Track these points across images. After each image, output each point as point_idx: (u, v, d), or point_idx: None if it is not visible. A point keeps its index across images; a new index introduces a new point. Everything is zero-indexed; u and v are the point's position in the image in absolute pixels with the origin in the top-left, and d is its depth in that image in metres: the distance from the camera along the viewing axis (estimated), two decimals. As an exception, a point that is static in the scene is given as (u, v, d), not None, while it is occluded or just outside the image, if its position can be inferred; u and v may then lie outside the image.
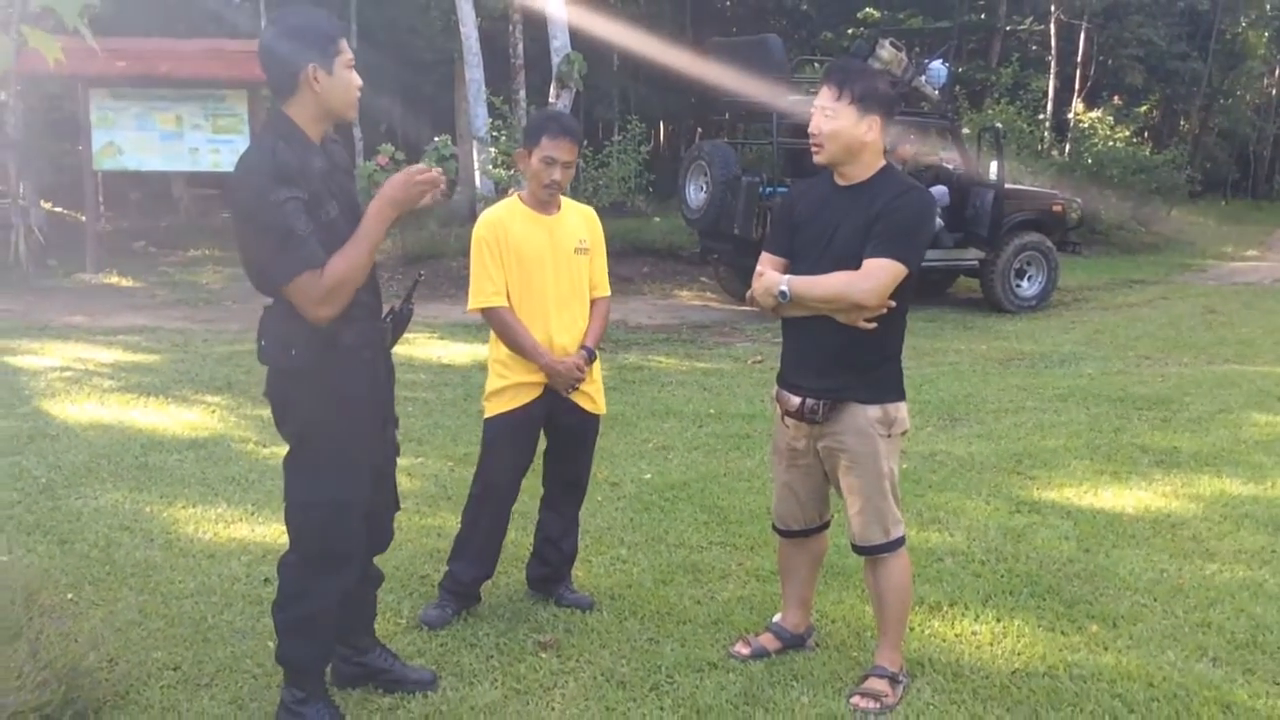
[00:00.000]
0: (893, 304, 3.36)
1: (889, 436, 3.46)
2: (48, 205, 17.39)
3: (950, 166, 12.46)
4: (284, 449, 3.20)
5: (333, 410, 3.06)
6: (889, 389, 3.48)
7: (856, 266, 3.33)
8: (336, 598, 3.17)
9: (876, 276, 3.30)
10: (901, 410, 3.50)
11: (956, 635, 3.99)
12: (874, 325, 3.35)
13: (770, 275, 3.48)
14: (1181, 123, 29.91)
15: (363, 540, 3.23)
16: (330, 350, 3.02)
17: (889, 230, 3.32)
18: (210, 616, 4.01)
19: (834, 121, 3.36)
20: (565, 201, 4.09)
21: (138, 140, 13.48)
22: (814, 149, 3.44)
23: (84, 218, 14.47)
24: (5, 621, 3.49)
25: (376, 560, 3.51)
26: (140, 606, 4.07)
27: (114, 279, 13.26)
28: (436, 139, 14.14)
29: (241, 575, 4.38)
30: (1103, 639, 3.96)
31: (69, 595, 4.14)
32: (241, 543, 4.75)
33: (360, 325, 3.10)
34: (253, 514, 5.08)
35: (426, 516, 5.11)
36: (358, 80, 3.04)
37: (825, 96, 3.40)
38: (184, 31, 14.78)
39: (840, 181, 3.47)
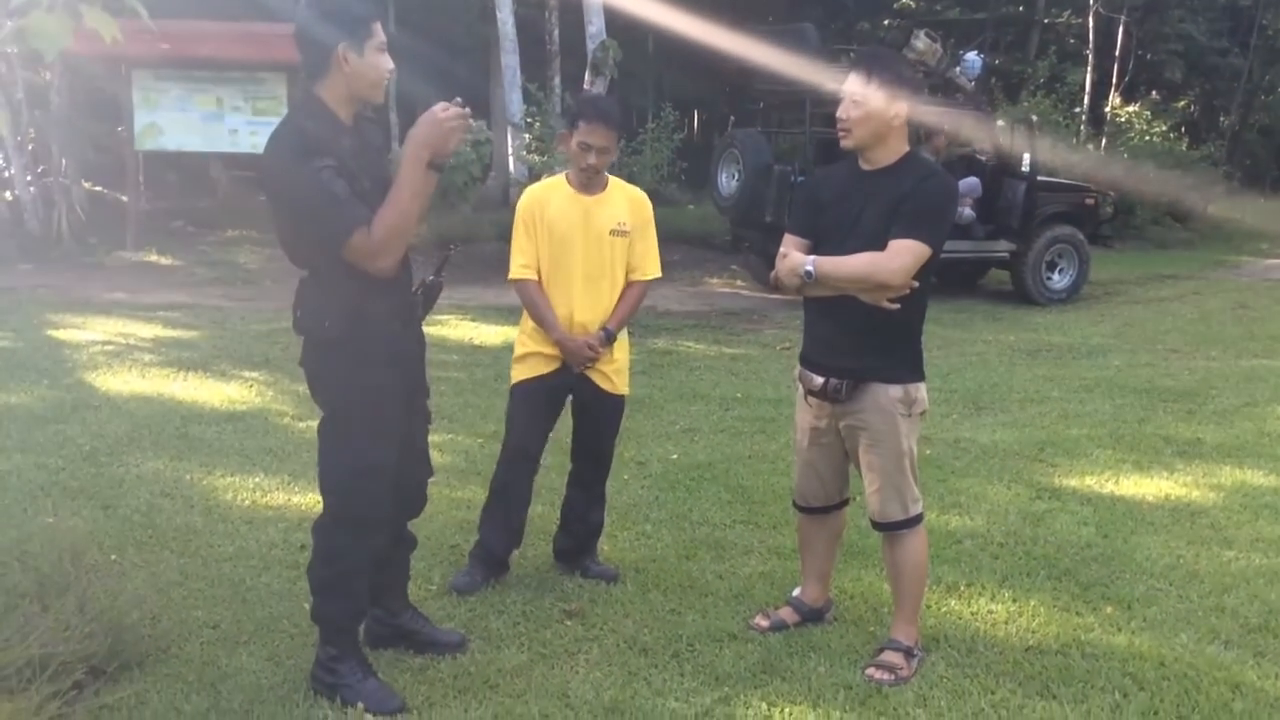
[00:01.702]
0: (915, 284, 3.45)
1: (909, 416, 3.55)
2: (88, 185, 17.67)
3: (983, 158, 12.46)
4: (318, 422, 3.33)
5: (364, 379, 3.18)
6: (910, 369, 3.57)
7: (880, 248, 3.41)
8: (368, 558, 3.30)
9: (902, 257, 3.38)
10: (921, 390, 3.59)
11: (972, 613, 4.07)
12: (897, 306, 3.43)
13: (795, 255, 3.57)
14: (1221, 118, 29.61)
15: (390, 504, 3.34)
16: (362, 321, 3.14)
17: (914, 212, 3.41)
18: (249, 579, 4.15)
19: (862, 107, 3.45)
20: (615, 183, 4.20)
21: (179, 121, 13.68)
22: (841, 134, 3.52)
23: (124, 197, 14.71)
24: (55, 577, 3.64)
25: (410, 525, 3.64)
26: (181, 568, 4.22)
27: (153, 257, 13.48)
28: (472, 124, 14.26)
29: (279, 541, 4.53)
30: (1117, 620, 4.04)
31: (113, 557, 4.30)
32: (278, 510, 4.90)
33: (392, 297, 3.22)
34: (289, 484, 5.23)
35: (457, 490, 5.24)
36: (389, 64, 3.12)
37: (853, 82, 3.48)
38: (225, 15, 14.95)
39: (865, 166, 3.56)
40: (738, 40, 13.03)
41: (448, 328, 9.58)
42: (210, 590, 4.05)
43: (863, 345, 3.52)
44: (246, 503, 4.99)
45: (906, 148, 3.56)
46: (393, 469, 3.28)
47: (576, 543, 4.37)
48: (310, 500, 4.95)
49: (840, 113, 3.52)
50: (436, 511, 4.76)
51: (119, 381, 7.15)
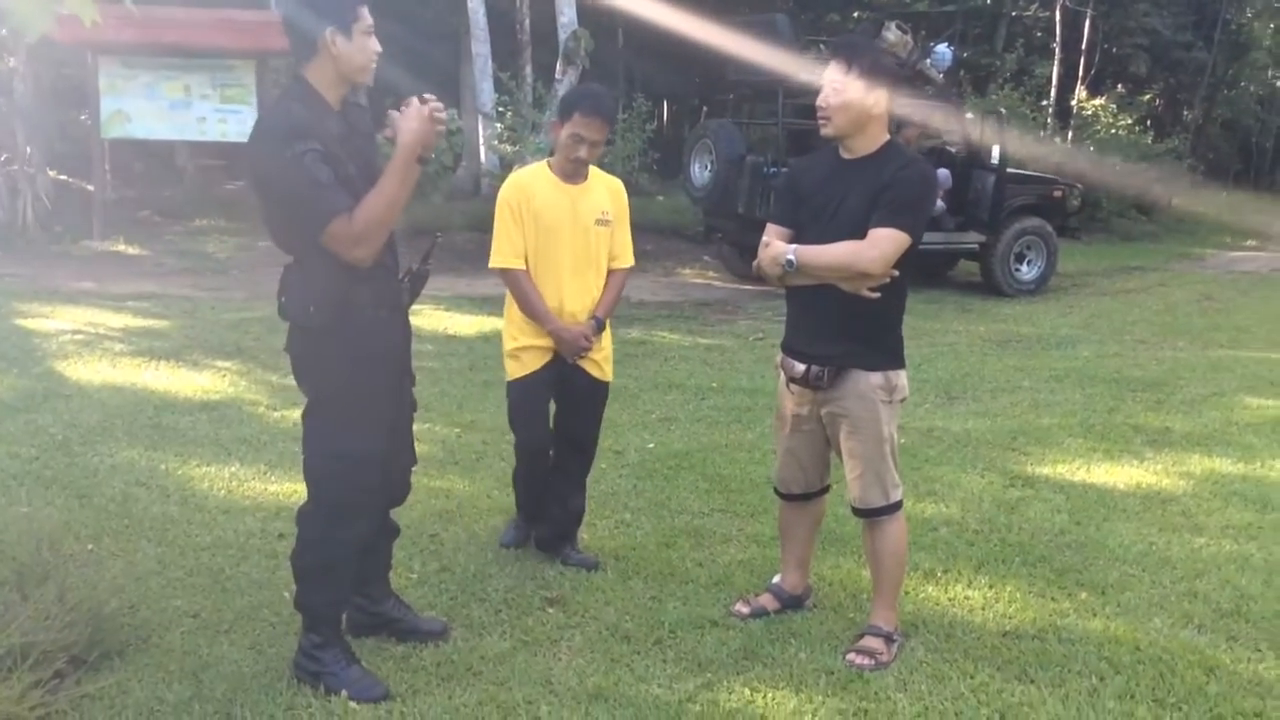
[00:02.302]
0: (896, 273, 3.47)
1: (890, 402, 3.58)
2: (53, 173, 17.45)
3: (953, 150, 12.54)
4: (294, 412, 3.34)
5: (349, 366, 3.17)
6: (891, 356, 3.60)
7: (861, 237, 3.44)
8: (353, 547, 3.29)
9: (882, 246, 3.41)
10: (902, 378, 3.62)
11: (950, 599, 4.12)
12: (877, 295, 3.46)
13: (777, 245, 3.59)
14: (1185, 112, 29.88)
15: (378, 492, 3.35)
16: (348, 308, 3.13)
17: (894, 201, 3.43)
18: (228, 568, 4.14)
19: (842, 95, 3.46)
20: (594, 172, 4.20)
21: (146, 109, 13.51)
22: (821, 121, 3.54)
23: (90, 186, 14.54)
24: (33, 566, 3.62)
25: (393, 514, 3.63)
26: (159, 558, 4.20)
27: (120, 247, 13.33)
28: (447, 114, 14.19)
29: (256, 530, 4.51)
30: (1091, 605, 4.09)
31: (89, 546, 4.27)
32: (255, 500, 4.88)
33: (377, 285, 3.21)
34: (265, 474, 5.20)
35: (435, 479, 5.23)
36: (376, 47, 3.13)
37: (833, 70, 3.50)
38: (193, 1, 14.79)
39: (846, 155, 3.58)
40: (710, 31, 13.04)
41: (421, 317, 9.53)
42: (189, 579, 4.03)
43: (844, 333, 3.54)
44: (222, 492, 4.96)
45: (886, 136, 3.58)
46: (379, 457, 3.27)
47: (557, 530, 4.38)
48: (288, 490, 4.94)
49: (820, 101, 3.54)
50: (415, 501, 4.70)
51: (90, 371, 7.08)
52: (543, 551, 4.40)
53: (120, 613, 3.58)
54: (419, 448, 5.55)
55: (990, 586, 4.23)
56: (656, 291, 12.22)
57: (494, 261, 4.09)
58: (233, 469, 5.27)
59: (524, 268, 4.04)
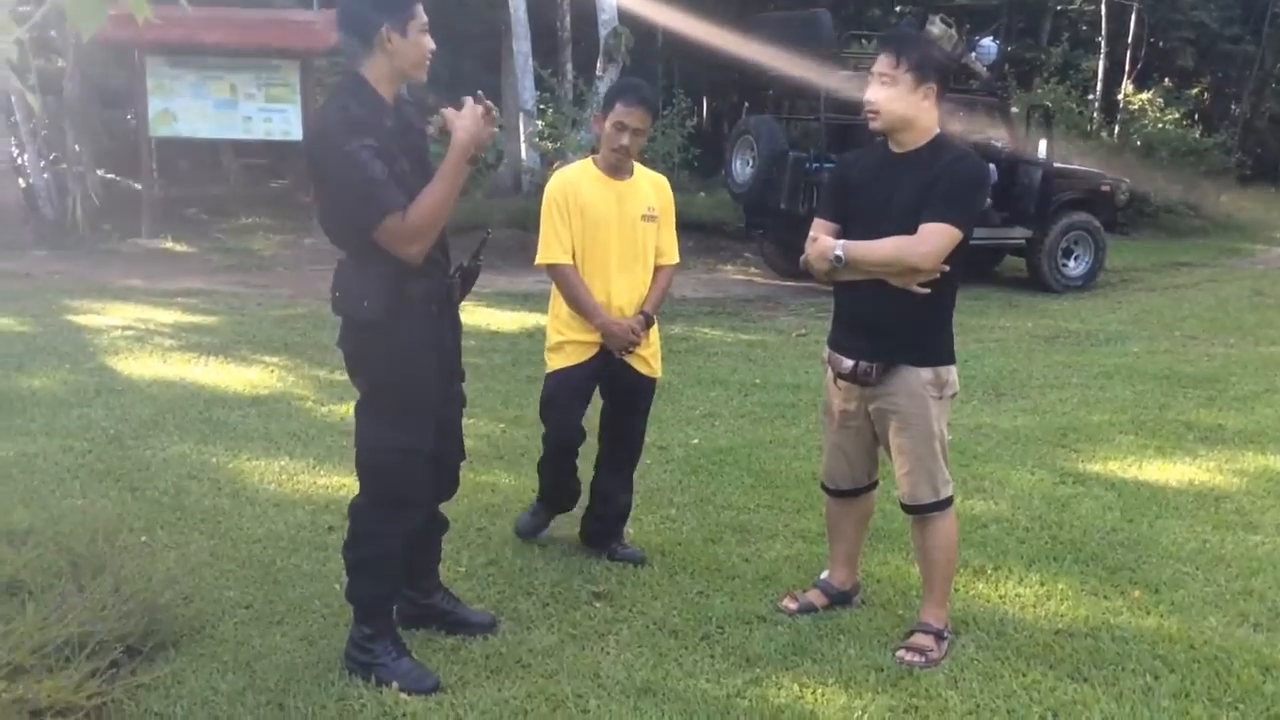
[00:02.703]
0: (946, 268, 3.44)
1: (940, 398, 3.55)
2: (101, 172, 17.69)
3: (998, 145, 12.43)
4: (341, 407, 3.37)
5: (401, 361, 3.20)
6: (941, 352, 3.57)
7: (910, 231, 3.41)
8: (403, 540, 3.31)
9: (932, 240, 3.38)
10: (952, 373, 3.59)
11: (1000, 596, 4.08)
12: (927, 289, 3.43)
13: (825, 240, 3.56)
14: (1232, 106, 29.45)
15: (428, 486, 3.37)
16: (401, 304, 3.15)
17: (945, 195, 3.40)
18: (279, 560, 4.17)
19: (891, 88, 3.43)
20: (639, 168, 4.20)
21: (192, 108, 13.69)
22: (869, 116, 3.51)
23: (137, 184, 14.73)
24: (89, 558, 3.67)
25: (442, 508, 3.65)
26: (211, 550, 4.24)
27: (168, 244, 13.51)
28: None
29: (306, 523, 4.55)
30: (1145, 604, 4.04)
31: (143, 538, 4.32)
32: (305, 493, 4.92)
33: (430, 281, 3.24)
34: (314, 467, 5.25)
35: (481, 474, 5.25)
36: (430, 44, 3.16)
37: (882, 64, 3.46)
38: (239, 1, 14.95)
39: (895, 149, 3.54)
40: (749, 28, 13.00)
41: (464, 314, 9.49)
42: (241, 571, 4.07)
43: (893, 328, 3.51)
44: (273, 485, 5.01)
45: (936, 130, 3.54)
46: (429, 451, 3.29)
47: (604, 526, 4.39)
48: (336, 483, 4.98)
49: (869, 95, 3.50)
50: (462, 495, 4.69)
51: (140, 366, 7.17)
52: (589, 547, 4.40)
53: (174, 604, 3.62)
54: (465, 442, 5.64)
55: (1041, 584, 4.18)
56: (698, 288, 12.21)
57: (541, 258, 4.09)
58: (282, 462, 5.32)
59: (572, 263, 4.04)
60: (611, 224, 4.05)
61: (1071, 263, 12.64)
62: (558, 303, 4.15)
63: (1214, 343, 9.37)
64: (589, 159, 4.21)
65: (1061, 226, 12.35)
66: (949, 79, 3.58)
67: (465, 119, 3.08)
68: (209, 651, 3.46)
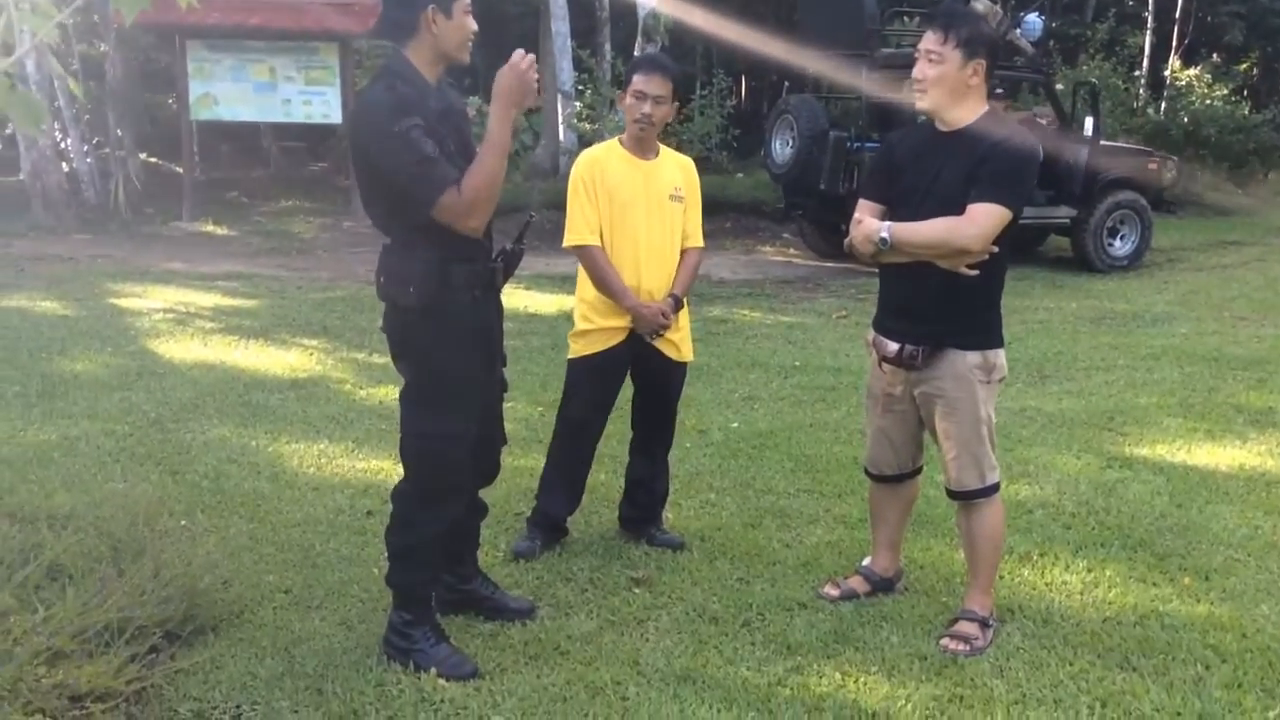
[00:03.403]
0: (995, 249, 3.36)
1: (988, 383, 3.48)
2: (143, 156, 17.84)
3: (1043, 122, 12.22)
4: (380, 390, 3.35)
5: (446, 346, 3.17)
6: (989, 335, 3.50)
7: (959, 212, 3.33)
8: (445, 526, 3.29)
9: (981, 221, 3.30)
10: (1000, 357, 3.52)
11: (1047, 584, 4.00)
12: (976, 272, 3.35)
13: (870, 222, 3.49)
14: (1282, 82, 28.96)
15: (471, 472, 3.34)
16: (445, 289, 3.11)
17: (994, 174, 3.31)
18: (318, 544, 4.17)
19: (939, 66, 3.35)
20: (665, 149, 4.15)
21: (232, 91, 13.76)
22: (918, 94, 3.43)
23: (178, 168, 14.84)
24: (128, 542, 3.68)
25: (481, 493, 3.63)
26: (251, 534, 4.25)
27: (209, 228, 13.61)
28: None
29: (345, 507, 4.54)
30: (1195, 591, 3.95)
31: (182, 522, 4.33)
32: (344, 477, 4.92)
33: (473, 265, 3.20)
34: (353, 451, 5.25)
35: (519, 458, 5.21)
36: (474, 25, 3.13)
37: (930, 41, 3.38)
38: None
39: (942, 127, 3.46)
40: (792, 4, 12.84)
41: (501, 295, 9.56)
42: (280, 555, 4.07)
43: (940, 311, 3.44)
44: (312, 469, 5.01)
45: (985, 107, 3.46)
46: (473, 438, 3.26)
47: (642, 511, 4.35)
48: (375, 467, 4.98)
49: (917, 73, 3.42)
50: (501, 479, 4.66)
51: (181, 349, 7.21)
52: (627, 532, 4.36)
53: (214, 588, 3.62)
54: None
55: (1089, 570, 4.10)
56: (736, 270, 12.12)
57: (569, 240, 4.04)
58: (321, 446, 5.32)
59: (599, 244, 3.99)
60: (639, 204, 3.99)
61: (1117, 242, 12.42)
62: (585, 287, 4.09)
63: (1264, 324, 9.17)
64: (615, 139, 4.15)
65: (1107, 205, 12.13)
66: (997, 56, 3.49)
67: (503, 75, 3.02)
68: (248, 636, 3.46)
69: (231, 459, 5.10)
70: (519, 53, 3.04)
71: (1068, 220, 12.16)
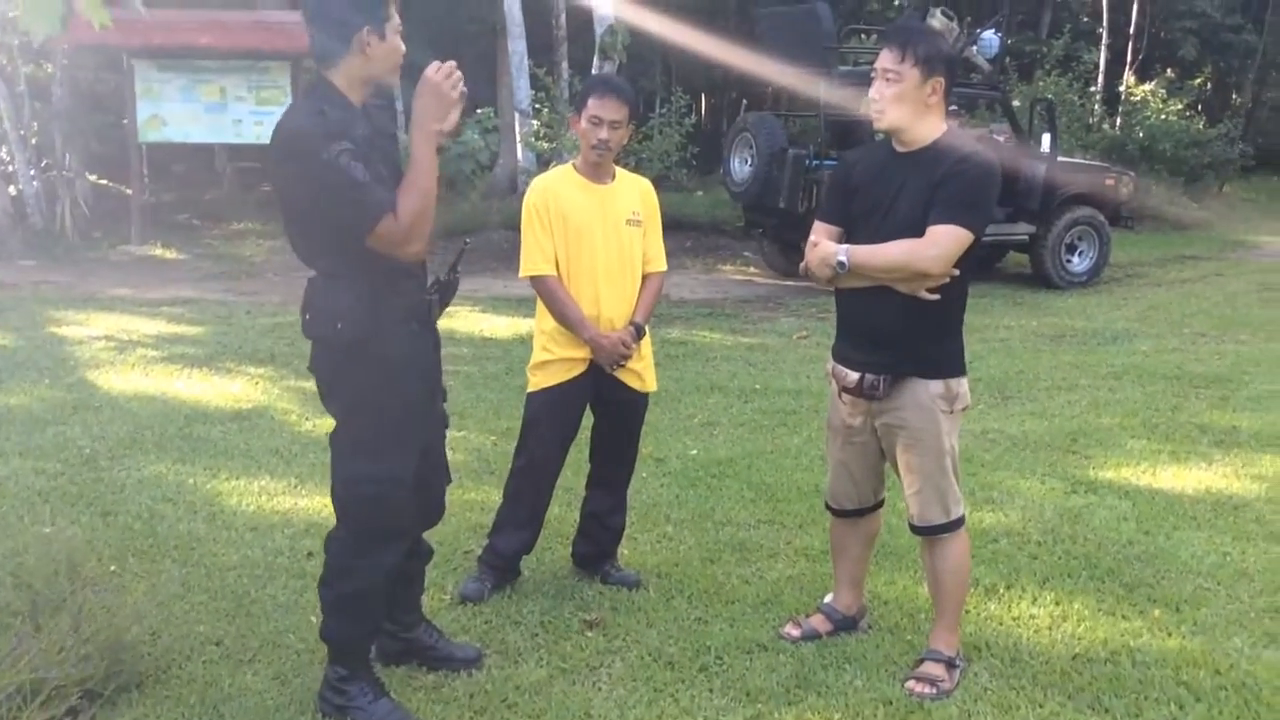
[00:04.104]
0: (956, 272, 3.24)
1: (951, 412, 3.34)
2: (93, 178, 17.49)
3: (1000, 138, 12.21)
4: (327, 421, 3.14)
5: (379, 385, 2.98)
6: (951, 363, 3.37)
7: (918, 234, 3.20)
8: (384, 575, 3.10)
9: (942, 244, 3.17)
10: (963, 385, 3.39)
11: (1014, 618, 3.87)
12: (936, 296, 3.22)
13: (827, 245, 3.36)
14: (1234, 96, 29.25)
15: (411, 516, 3.16)
16: (377, 323, 2.94)
17: (954, 195, 3.19)
18: (253, 590, 3.97)
19: (897, 85, 3.22)
20: (620, 172, 4.00)
21: (182, 112, 13.48)
22: (875, 115, 3.30)
23: (129, 190, 14.53)
24: (49, 594, 3.46)
25: (425, 535, 3.44)
26: (183, 579, 4.04)
27: (158, 251, 13.32)
28: (478, 111, 14.05)
29: (284, 549, 4.34)
30: (1166, 623, 3.84)
31: (112, 568, 4.12)
32: (284, 515, 4.71)
33: (407, 297, 3.02)
34: (295, 487, 5.04)
35: (469, 491, 5.05)
36: (403, 47, 2.96)
37: (887, 59, 3.25)
38: (228, 3, 14.79)
39: (900, 148, 3.34)
40: (749, 23, 12.79)
41: (457, 320, 9.38)
42: (213, 603, 3.86)
43: (900, 338, 3.30)
44: (251, 508, 4.80)
45: (944, 127, 3.33)
46: (410, 480, 3.08)
47: (597, 547, 4.17)
48: (318, 504, 4.77)
49: (874, 92, 3.30)
50: (449, 515, 4.47)
51: (121, 380, 6.97)
52: (581, 569, 4.19)
53: (140, 641, 3.41)
54: (452, 457, 5.35)
55: (1056, 603, 3.98)
56: (696, 289, 12.00)
57: (524, 270, 3.87)
58: (262, 482, 5.11)
59: (556, 274, 3.82)
60: (596, 231, 3.83)
61: (1076, 258, 12.40)
62: (543, 317, 3.92)
63: (1224, 340, 9.15)
64: (569, 164, 4.00)
65: (1065, 222, 12.11)
66: (955, 73, 3.37)
67: (421, 95, 2.85)
68: (175, 694, 3.26)
69: (167, 498, 4.88)
70: (434, 64, 2.88)
71: (1026, 237, 12.13)
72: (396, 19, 2.92)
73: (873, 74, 3.31)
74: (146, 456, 5.46)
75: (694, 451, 5.80)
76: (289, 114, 2.94)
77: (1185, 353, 8.56)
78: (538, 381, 3.95)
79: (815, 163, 11.34)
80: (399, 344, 3.00)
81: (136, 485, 5.04)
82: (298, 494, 4.95)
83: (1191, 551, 4.48)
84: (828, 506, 3.72)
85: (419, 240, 2.87)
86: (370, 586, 3.08)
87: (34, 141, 15.14)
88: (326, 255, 2.95)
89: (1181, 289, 12.27)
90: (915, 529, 3.45)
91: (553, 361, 3.91)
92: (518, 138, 15.48)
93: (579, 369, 3.90)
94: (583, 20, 15.80)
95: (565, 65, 15.86)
